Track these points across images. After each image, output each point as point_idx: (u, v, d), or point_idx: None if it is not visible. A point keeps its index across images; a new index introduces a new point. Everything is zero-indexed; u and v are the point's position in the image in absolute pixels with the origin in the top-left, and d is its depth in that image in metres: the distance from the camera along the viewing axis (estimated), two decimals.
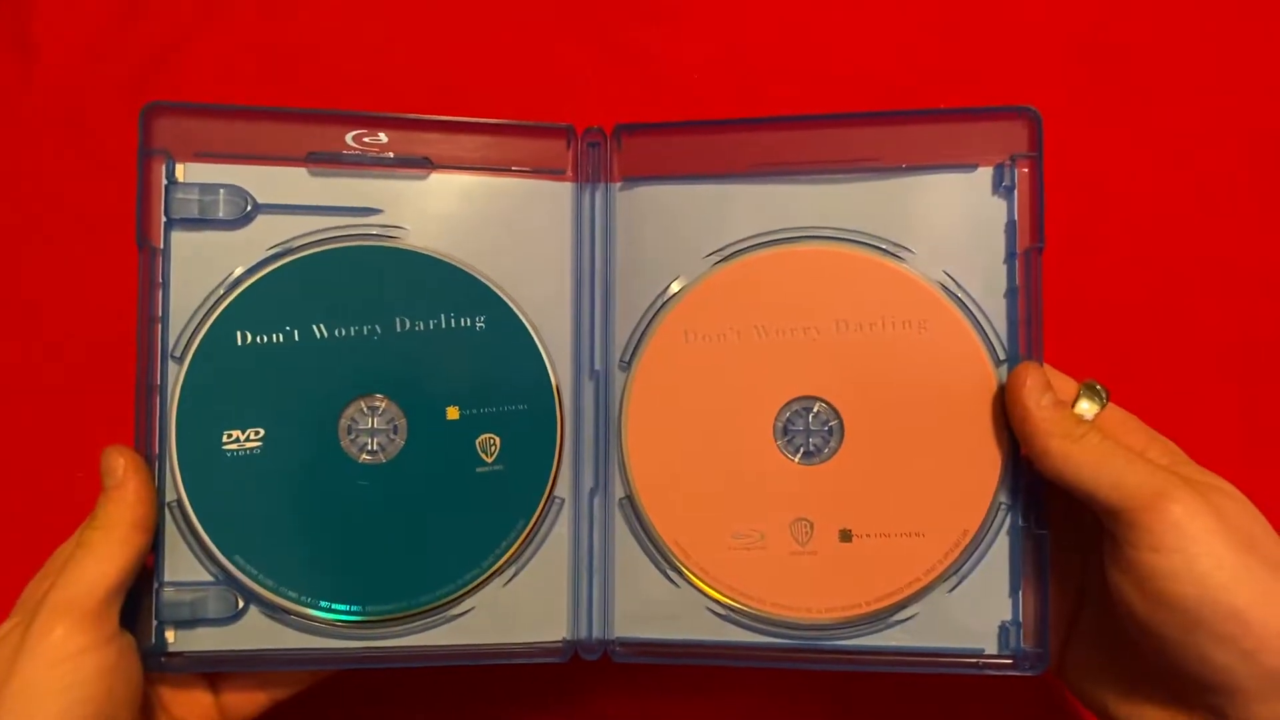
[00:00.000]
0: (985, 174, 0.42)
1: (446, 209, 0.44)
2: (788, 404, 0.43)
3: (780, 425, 0.43)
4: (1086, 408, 0.40)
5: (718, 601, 0.43)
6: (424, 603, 0.43)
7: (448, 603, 0.43)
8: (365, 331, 0.43)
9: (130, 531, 0.39)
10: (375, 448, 0.43)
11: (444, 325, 0.44)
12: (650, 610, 0.44)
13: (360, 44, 0.55)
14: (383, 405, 0.43)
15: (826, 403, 0.43)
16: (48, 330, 0.53)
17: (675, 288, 0.44)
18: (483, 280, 0.44)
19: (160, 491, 0.42)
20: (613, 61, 0.55)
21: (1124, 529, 0.36)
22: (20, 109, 0.51)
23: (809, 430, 0.43)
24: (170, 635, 0.42)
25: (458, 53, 0.55)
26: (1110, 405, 0.40)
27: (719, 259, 0.44)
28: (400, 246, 0.44)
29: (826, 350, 0.43)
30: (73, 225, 0.52)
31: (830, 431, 0.43)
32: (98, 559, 0.38)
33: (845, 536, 0.43)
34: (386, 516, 0.43)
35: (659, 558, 0.44)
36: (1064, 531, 0.42)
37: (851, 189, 0.43)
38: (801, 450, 0.43)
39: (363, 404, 0.43)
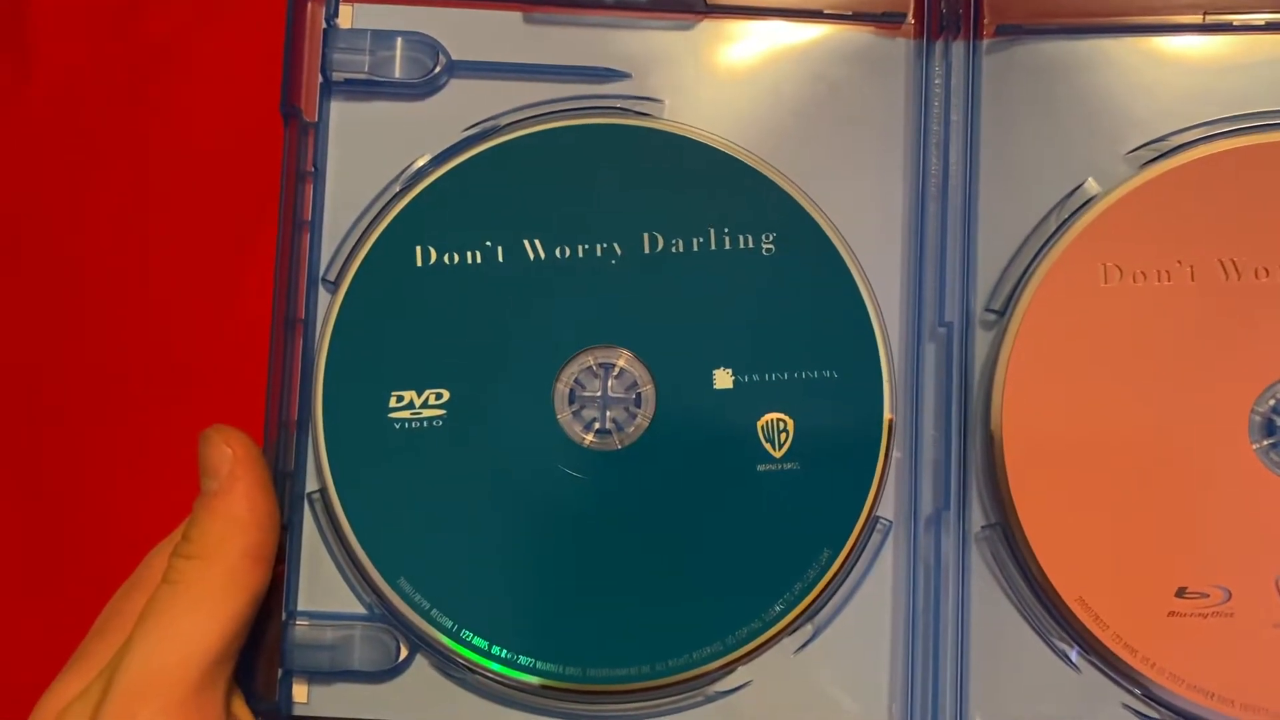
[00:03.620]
0: None
1: (723, 74, 0.30)
2: (1273, 386, 0.27)
3: (1259, 419, 0.27)
4: None
5: (1149, 698, 0.27)
6: (674, 670, 0.28)
7: (709, 672, 0.28)
8: (599, 252, 0.29)
9: (241, 564, 0.26)
10: (608, 426, 0.29)
11: (714, 246, 0.29)
12: (1029, 707, 0.27)
13: None
14: (621, 363, 0.29)
15: None
16: (49, 331, 0.42)
17: (1088, 193, 0.28)
18: (774, 180, 0.29)
19: (297, 479, 0.28)
20: None
21: None
22: (17, 109, 0.43)
23: None
24: (300, 692, 0.28)
25: None
26: None
27: (1153, 156, 0.28)
28: (654, 127, 0.29)
29: None
30: (71, 226, 0.42)
31: None
32: (194, 609, 0.25)
33: None
34: (620, 533, 0.28)
35: (1049, 624, 0.27)
36: None
37: None
38: None
39: (592, 360, 0.29)
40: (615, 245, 0.29)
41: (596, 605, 0.28)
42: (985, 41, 0.29)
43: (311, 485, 0.29)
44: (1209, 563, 0.26)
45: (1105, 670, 0.27)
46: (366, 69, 0.29)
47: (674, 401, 0.29)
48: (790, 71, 0.30)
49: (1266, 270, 0.27)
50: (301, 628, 0.28)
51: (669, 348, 0.29)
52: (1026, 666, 0.28)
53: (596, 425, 0.29)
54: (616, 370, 0.29)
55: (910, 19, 0.29)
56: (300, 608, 0.28)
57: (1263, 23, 0.28)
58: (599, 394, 0.29)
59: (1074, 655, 0.27)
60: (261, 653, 0.28)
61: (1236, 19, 0.28)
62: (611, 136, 0.29)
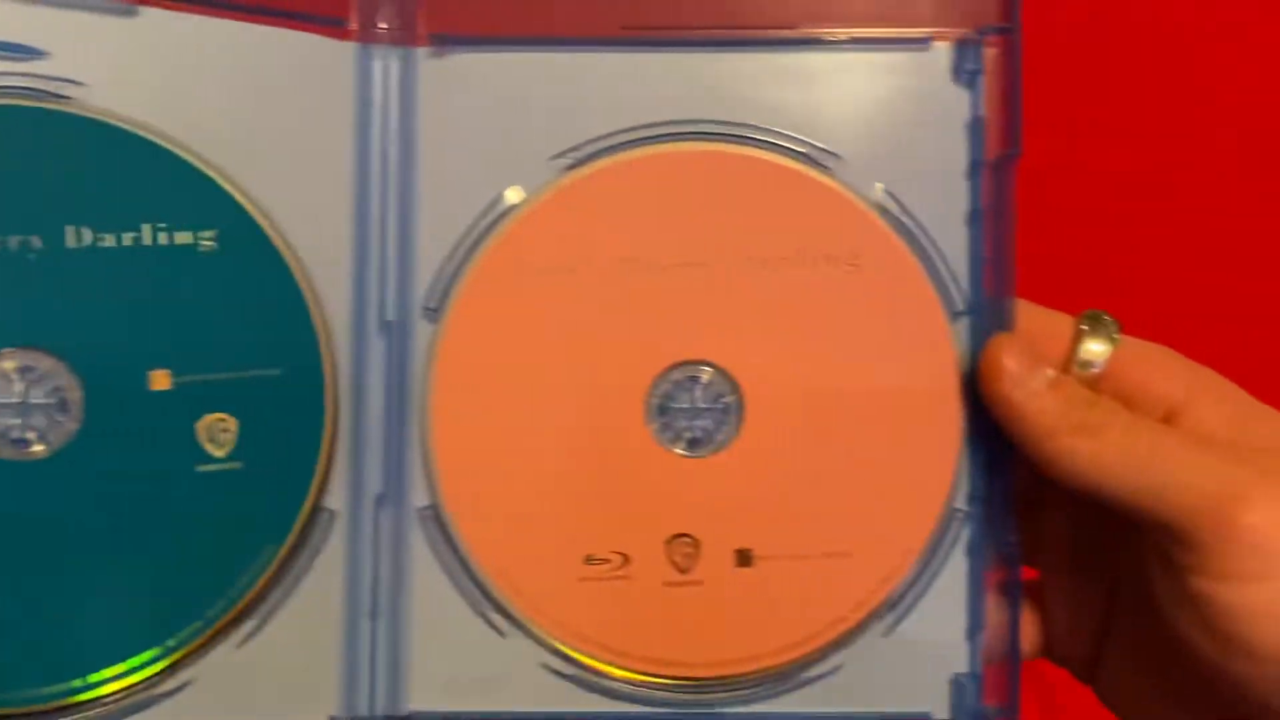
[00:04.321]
0: (942, 53, 0.30)
1: (165, 65, 0.29)
2: (666, 372, 0.30)
3: (655, 402, 0.30)
4: (1097, 350, 0.29)
5: (561, 656, 0.30)
6: (113, 679, 0.28)
7: (150, 677, 0.28)
8: (14, 246, 0.27)
9: None
10: (29, 434, 0.27)
11: (148, 241, 0.28)
12: (463, 671, 0.30)
13: None
14: (44, 366, 0.28)
15: (720, 370, 0.30)
16: None
17: (508, 202, 0.30)
18: (213, 175, 0.29)
19: None
20: None
21: (1178, 549, 0.25)
22: None
23: (695, 409, 0.30)
24: None
25: None
26: (1126, 339, 0.29)
27: (570, 162, 0.31)
28: (77, 112, 0.28)
29: (721, 295, 0.30)
30: None
31: (725, 410, 0.30)
32: None
33: (744, 559, 0.30)
34: (47, 546, 0.27)
35: (476, 594, 0.30)
36: (1084, 509, 0.30)
37: (757, 66, 0.31)
38: (685, 437, 0.30)
39: (9, 363, 0.27)
40: (34, 239, 0.27)
41: (25, 622, 0.27)
42: (421, 50, 0.30)
43: None
44: (611, 531, 0.30)
45: (526, 635, 0.30)
46: None
47: (105, 406, 0.28)
48: (236, 68, 0.29)
49: (660, 267, 0.30)
50: None
51: (99, 349, 0.28)
52: (460, 633, 0.30)
53: (15, 434, 0.27)
54: (40, 374, 0.28)
55: (352, 23, 0.30)
56: None
57: (675, 38, 0.31)
58: (20, 400, 0.27)
59: (501, 623, 0.30)
60: None
61: (654, 35, 0.31)
62: (25, 119, 0.28)
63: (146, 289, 0.28)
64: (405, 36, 0.30)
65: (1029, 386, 0.28)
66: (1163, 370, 0.29)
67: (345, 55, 0.30)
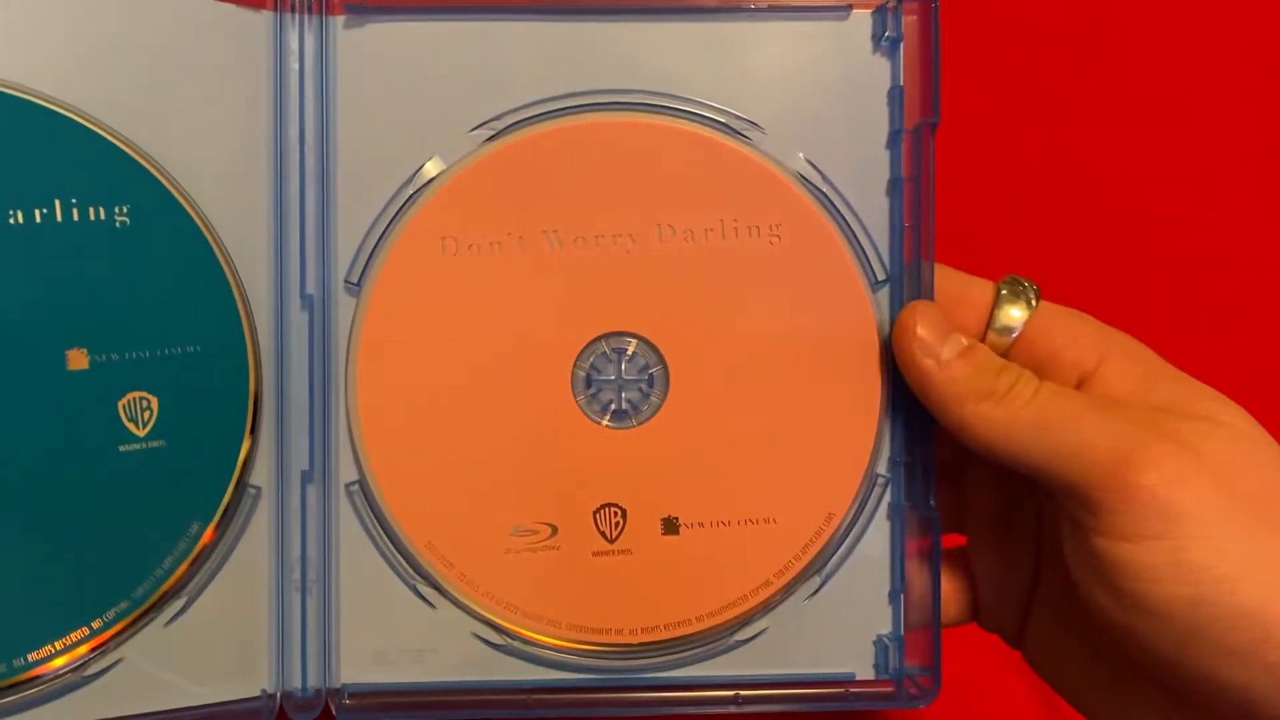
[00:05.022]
0: (862, 20, 0.30)
1: (68, 34, 0.28)
2: (591, 343, 0.31)
3: (582, 374, 0.30)
4: (1016, 316, 0.29)
5: (492, 625, 0.30)
6: (41, 661, 0.28)
7: (80, 657, 0.28)
8: None
9: None
10: None
11: (62, 218, 0.28)
12: (393, 643, 0.30)
13: None
14: None
15: (645, 341, 0.31)
16: None
17: (429, 173, 0.30)
18: (126, 149, 0.28)
19: None
20: None
21: (1082, 511, 0.26)
22: None
23: (622, 380, 0.31)
24: None
25: None
26: (1043, 304, 0.30)
27: (492, 133, 0.30)
28: None
29: (645, 267, 0.30)
30: None
31: (651, 381, 0.31)
32: None
33: (670, 527, 0.30)
34: None
35: (405, 567, 0.30)
36: (1008, 476, 0.30)
37: (678, 36, 0.30)
38: (611, 409, 0.31)
39: None
40: None
41: None
42: (338, 19, 0.30)
43: None
44: (539, 502, 0.30)
45: (456, 606, 0.30)
46: None
47: (21, 386, 0.28)
48: (149, 39, 0.29)
49: (583, 240, 0.30)
50: None
51: (13, 328, 0.27)
52: (390, 606, 0.30)
53: None
54: None
55: None
56: None
57: (596, 6, 0.30)
58: None
59: (431, 595, 0.30)
60: None
61: (575, 4, 0.30)
62: None
63: (60, 266, 0.28)
64: (321, 5, 0.30)
65: (939, 354, 0.28)
66: (1077, 334, 0.29)
67: (261, 25, 0.30)
